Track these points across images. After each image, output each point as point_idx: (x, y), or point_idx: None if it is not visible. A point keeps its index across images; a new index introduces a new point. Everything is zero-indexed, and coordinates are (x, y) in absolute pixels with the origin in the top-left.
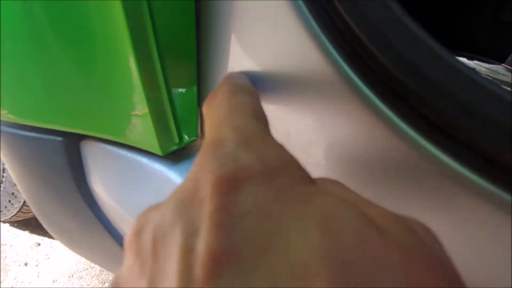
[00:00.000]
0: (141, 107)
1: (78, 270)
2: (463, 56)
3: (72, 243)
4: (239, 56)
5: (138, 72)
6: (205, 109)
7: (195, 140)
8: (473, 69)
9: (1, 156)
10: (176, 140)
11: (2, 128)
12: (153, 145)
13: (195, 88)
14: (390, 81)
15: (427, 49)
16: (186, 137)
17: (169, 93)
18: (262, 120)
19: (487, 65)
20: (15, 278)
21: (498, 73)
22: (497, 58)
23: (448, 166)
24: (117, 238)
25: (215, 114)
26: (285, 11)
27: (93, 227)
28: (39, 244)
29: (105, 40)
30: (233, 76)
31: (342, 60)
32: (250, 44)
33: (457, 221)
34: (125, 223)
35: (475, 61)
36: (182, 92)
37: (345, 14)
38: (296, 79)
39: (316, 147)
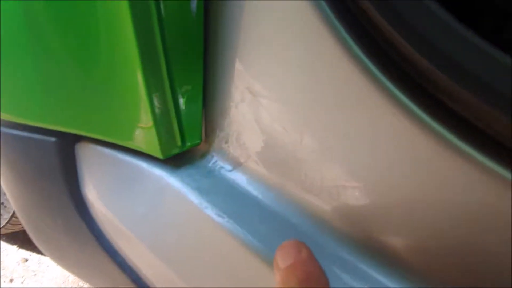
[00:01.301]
0: (143, 109)
1: None
2: None
3: (61, 257)
4: (247, 56)
5: (142, 73)
6: None
7: (198, 143)
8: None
9: None
10: (179, 143)
11: None
12: (154, 148)
13: (200, 91)
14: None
15: (455, 35)
16: (189, 140)
17: (174, 95)
18: None
19: None
20: None
21: None
22: None
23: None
24: (110, 252)
25: None
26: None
27: (83, 238)
28: (26, 260)
29: (109, 40)
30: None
31: (363, 54)
32: (262, 43)
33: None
34: (118, 235)
35: None
36: (187, 94)
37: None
38: (312, 78)
39: (332, 152)
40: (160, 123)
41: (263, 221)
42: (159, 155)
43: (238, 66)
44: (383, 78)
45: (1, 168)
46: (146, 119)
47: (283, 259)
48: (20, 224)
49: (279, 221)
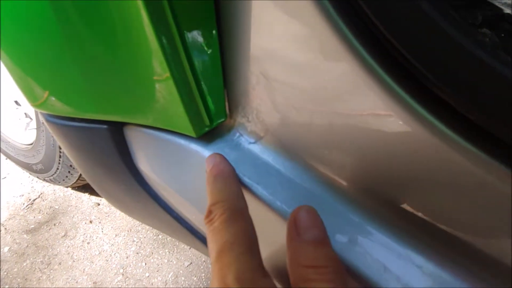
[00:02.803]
0: (175, 100)
1: (135, 225)
2: None
3: (128, 212)
4: (260, 46)
5: (167, 66)
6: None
7: (224, 120)
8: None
9: (59, 144)
10: (207, 122)
11: (58, 121)
12: (188, 129)
13: (221, 78)
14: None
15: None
16: (215, 119)
17: (197, 81)
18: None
19: None
20: (84, 234)
21: None
22: None
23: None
24: (165, 207)
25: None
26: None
27: (144, 199)
28: (98, 204)
29: (129, 38)
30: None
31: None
32: (271, 36)
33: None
34: (170, 196)
35: None
36: (208, 78)
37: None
38: (315, 62)
39: (338, 129)
40: (190, 109)
41: (283, 187)
42: (192, 134)
43: (252, 53)
44: (381, 72)
45: (71, 152)
46: (178, 107)
47: (207, 165)
48: None
49: (295, 187)
